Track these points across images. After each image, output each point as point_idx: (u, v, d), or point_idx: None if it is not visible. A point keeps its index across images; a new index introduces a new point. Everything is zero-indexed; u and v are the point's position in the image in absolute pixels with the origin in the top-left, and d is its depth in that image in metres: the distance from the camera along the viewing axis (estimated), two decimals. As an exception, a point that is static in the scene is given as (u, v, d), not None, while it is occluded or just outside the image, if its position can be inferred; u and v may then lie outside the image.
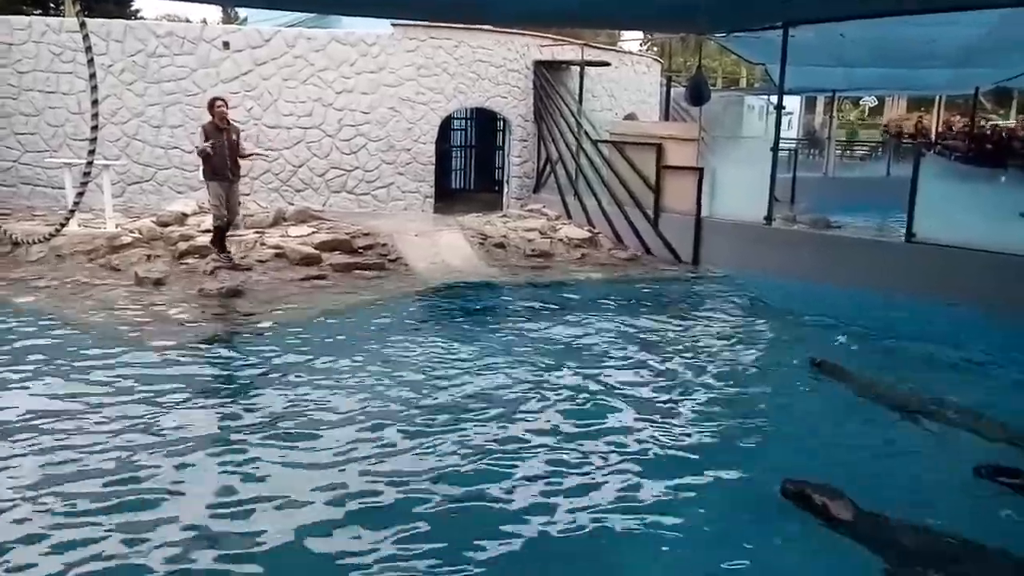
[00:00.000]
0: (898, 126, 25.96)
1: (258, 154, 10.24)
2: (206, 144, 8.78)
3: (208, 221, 9.44)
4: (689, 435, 5.04)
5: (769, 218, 10.34)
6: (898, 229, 9.28)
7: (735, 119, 22.10)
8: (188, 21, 26.97)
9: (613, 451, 4.74)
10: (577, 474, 4.44)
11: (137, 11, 26.01)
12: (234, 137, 9.12)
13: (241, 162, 9.36)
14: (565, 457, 4.67)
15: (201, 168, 9.24)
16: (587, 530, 3.85)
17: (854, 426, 5.26)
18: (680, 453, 4.76)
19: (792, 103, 21.52)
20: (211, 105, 9.08)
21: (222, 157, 8.91)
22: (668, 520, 3.90)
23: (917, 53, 12.73)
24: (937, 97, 23.57)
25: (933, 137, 21.38)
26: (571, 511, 4.01)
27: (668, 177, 11.15)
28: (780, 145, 10.93)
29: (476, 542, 3.71)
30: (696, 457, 4.68)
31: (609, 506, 4.06)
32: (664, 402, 5.66)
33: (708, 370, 6.33)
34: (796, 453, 4.80)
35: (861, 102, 33.28)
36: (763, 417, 5.38)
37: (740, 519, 3.95)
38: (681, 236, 10.89)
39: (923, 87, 19.98)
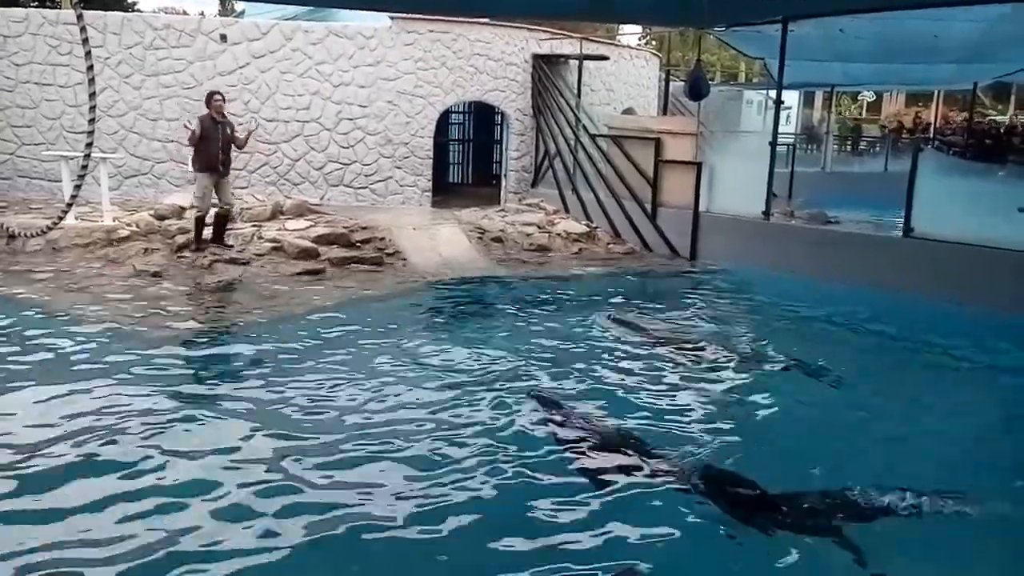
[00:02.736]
0: (898, 121, 25.97)
1: (254, 144, 10.25)
2: (195, 136, 8.84)
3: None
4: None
5: (767, 213, 10.33)
6: (896, 224, 9.27)
7: (734, 114, 22.07)
8: (185, 14, 26.89)
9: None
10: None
11: (134, 3, 25.95)
12: (228, 132, 9.24)
13: (238, 154, 9.41)
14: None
15: (191, 159, 9.34)
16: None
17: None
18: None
19: (791, 98, 21.50)
20: (209, 99, 9.19)
21: (214, 151, 9.02)
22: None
23: (916, 48, 12.71)
24: (935, 92, 23.55)
25: (931, 132, 21.37)
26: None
27: (666, 172, 11.13)
28: (778, 140, 10.91)
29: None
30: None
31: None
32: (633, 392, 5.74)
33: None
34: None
35: (860, 97, 33.22)
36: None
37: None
38: (679, 231, 10.88)
39: (922, 82, 19.97)
